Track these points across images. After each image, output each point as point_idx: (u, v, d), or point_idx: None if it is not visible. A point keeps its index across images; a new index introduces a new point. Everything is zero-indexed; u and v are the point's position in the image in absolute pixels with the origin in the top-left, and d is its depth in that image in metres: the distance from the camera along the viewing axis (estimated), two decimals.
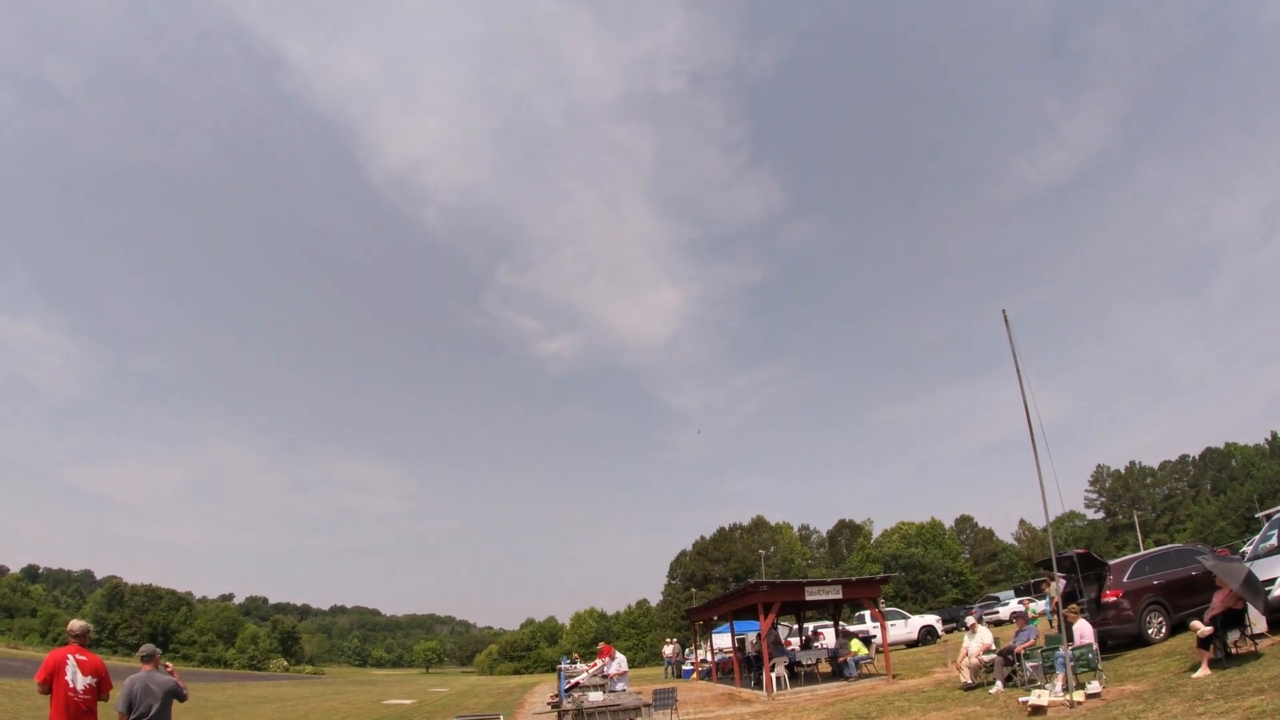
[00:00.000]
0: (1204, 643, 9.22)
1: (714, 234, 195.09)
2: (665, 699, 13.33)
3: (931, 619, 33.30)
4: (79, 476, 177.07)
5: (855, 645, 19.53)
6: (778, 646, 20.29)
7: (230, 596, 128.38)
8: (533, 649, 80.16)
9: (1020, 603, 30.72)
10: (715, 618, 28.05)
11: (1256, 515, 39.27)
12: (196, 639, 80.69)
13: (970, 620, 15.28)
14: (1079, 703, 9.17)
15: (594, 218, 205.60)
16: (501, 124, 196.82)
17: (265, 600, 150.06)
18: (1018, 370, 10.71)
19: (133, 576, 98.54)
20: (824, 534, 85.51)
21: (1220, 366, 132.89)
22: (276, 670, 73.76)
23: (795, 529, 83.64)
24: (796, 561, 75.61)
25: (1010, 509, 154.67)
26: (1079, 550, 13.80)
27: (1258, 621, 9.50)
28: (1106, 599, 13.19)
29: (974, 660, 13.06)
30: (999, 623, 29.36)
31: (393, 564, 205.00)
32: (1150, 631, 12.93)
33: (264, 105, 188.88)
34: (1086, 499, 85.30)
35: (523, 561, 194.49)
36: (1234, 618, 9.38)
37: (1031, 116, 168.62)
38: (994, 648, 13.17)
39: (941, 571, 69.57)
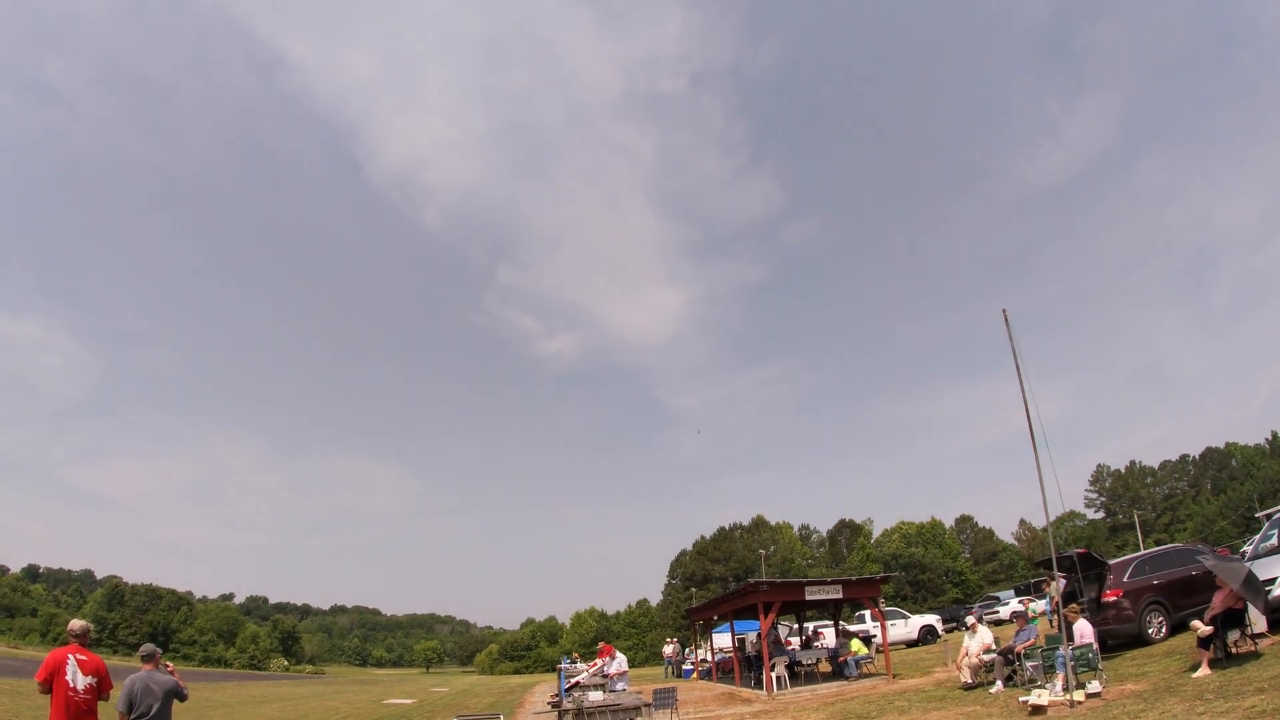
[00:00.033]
0: (1204, 642, 9.22)
1: (714, 233, 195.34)
2: (665, 698, 13.33)
3: (932, 619, 33.30)
4: (79, 476, 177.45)
5: (855, 645, 19.52)
6: (778, 646, 20.29)
7: (230, 596, 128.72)
8: (533, 649, 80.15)
9: (1020, 602, 30.70)
10: (715, 617, 28.05)
11: (1257, 515, 39.26)
12: (197, 639, 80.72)
13: (970, 620, 15.28)
14: (1079, 702, 9.17)
15: (594, 217, 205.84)
16: (502, 123, 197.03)
17: (265, 600, 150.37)
18: (1018, 370, 10.71)
19: (133, 576, 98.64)
20: (824, 534, 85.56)
21: (1220, 366, 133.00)
22: (277, 670, 73.79)
23: (795, 528, 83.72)
24: (796, 561, 75.60)
25: (1010, 508, 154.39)
26: (1079, 550, 13.80)
27: (1258, 621, 9.51)
28: (1107, 599, 13.19)
29: (974, 660, 13.06)
30: (999, 622, 29.34)
31: (393, 563, 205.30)
32: (1150, 631, 12.93)
33: (264, 105, 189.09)
34: (1087, 499, 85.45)
35: (523, 561, 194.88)
36: (1234, 617, 9.38)
37: (1032, 115, 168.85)
38: (994, 647, 13.17)
39: (942, 571, 69.57)
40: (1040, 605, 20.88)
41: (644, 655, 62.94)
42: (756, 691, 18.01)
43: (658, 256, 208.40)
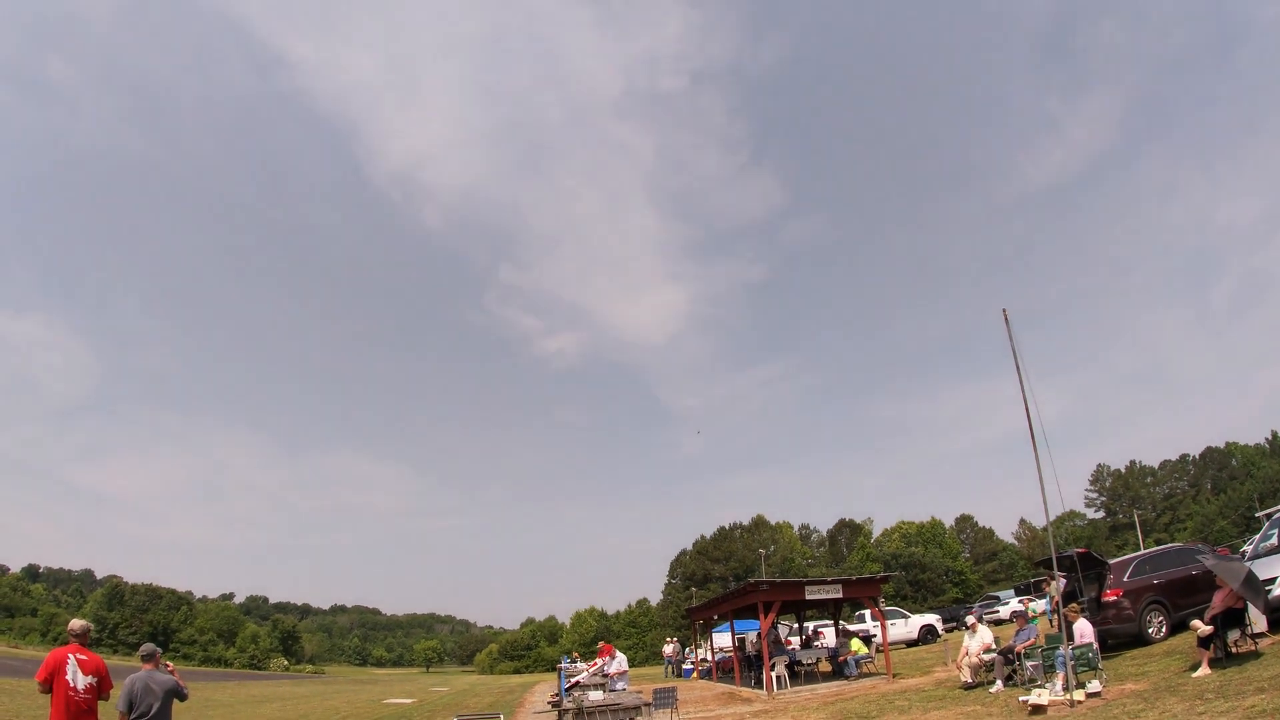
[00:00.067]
0: (1204, 642, 9.22)
1: (715, 232, 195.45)
2: (665, 698, 13.32)
3: (932, 618, 33.29)
4: (80, 475, 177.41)
5: (855, 644, 19.52)
6: (778, 646, 20.29)
7: (230, 596, 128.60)
8: (533, 648, 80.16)
9: (1020, 602, 30.69)
10: (715, 617, 28.05)
11: (1257, 514, 39.26)
12: (197, 638, 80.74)
13: (970, 619, 15.28)
14: (1079, 702, 9.17)
15: (595, 215, 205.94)
16: (502, 122, 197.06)
17: (265, 600, 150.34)
18: (1018, 369, 10.71)
19: (133, 576, 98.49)
20: (824, 533, 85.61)
21: (1221, 366, 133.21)
22: (277, 670, 73.81)
23: (795, 528, 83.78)
24: (797, 561, 75.62)
25: (1010, 508, 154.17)
26: (1079, 549, 13.80)
27: (1258, 621, 9.51)
28: (1107, 598, 13.19)
29: (974, 659, 13.06)
30: (999, 622, 29.33)
31: (393, 563, 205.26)
32: (1150, 631, 12.93)
33: (264, 104, 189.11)
34: (1087, 498, 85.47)
35: (523, 560, 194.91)
36: (1234, 617, 9.38)
37: (1032, 115, 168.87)
38: (994, 647, 13.18)
39: (942, 571, 69.59)
40: (1040, 605, 20.88)
41: (644, 655, 62.96)
42: (756, 691, 18.01)
43: (658, 255, 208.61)
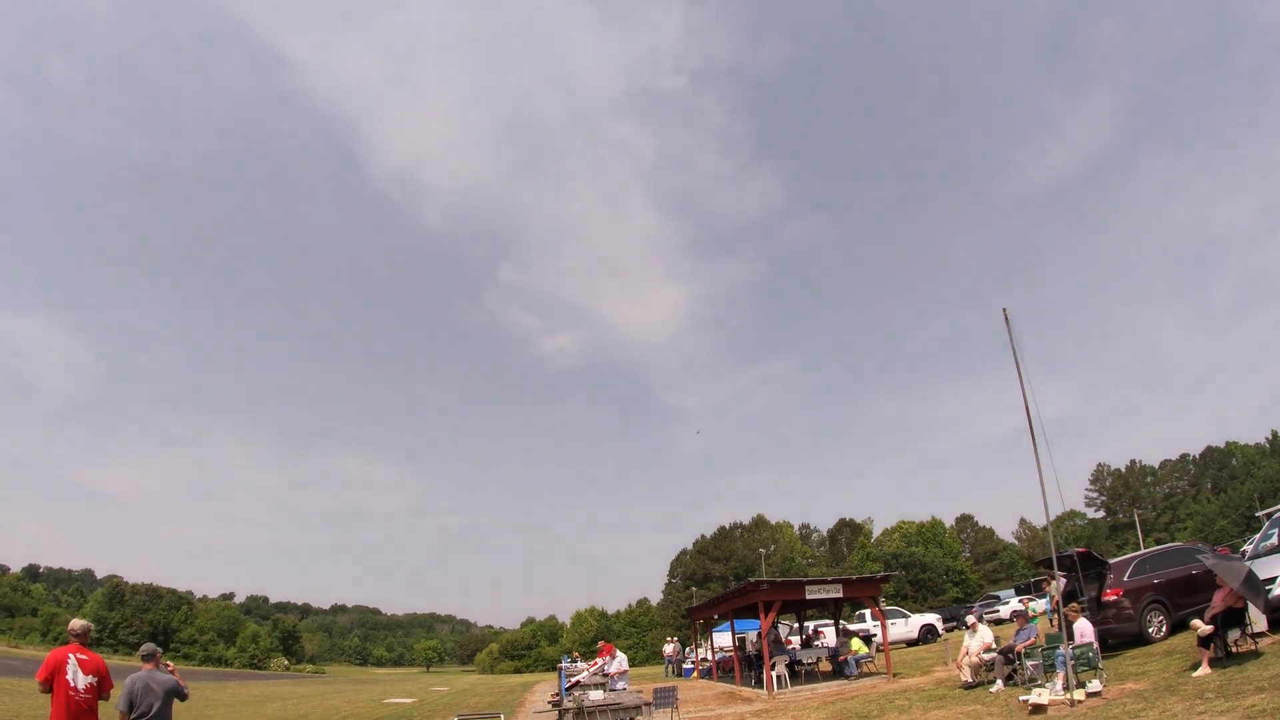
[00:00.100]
0: (1204, 641, 9.22)
1: (715, 231, 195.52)
2: (666, 697, 13.32)
3: (932, 618, 33.31)
4: (80, 475, 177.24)
5: (856, 644, 19.52)
6: (778, 645, 20.29)
7: (231, 596, 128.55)
8: (533, 648, 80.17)
9: (1021, 601, 30.69)
10: (716, 616, 28.06)
11: (1257, 514, 39.28)
12: (197, 638, 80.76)
13: (971, 619, 15.28)
14: (1079, 701, 9.17)
15: (596, 215, 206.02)
16: (503, 121, 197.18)
17: (266, 599, 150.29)
18: (1018, 369, 10.71)
19: (133, 575, 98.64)
20: (824, 533, 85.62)
21: (1221, 365, 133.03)
22: (277, 669, 73.79)
23: (796, 528, 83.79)
24: (797, 560, 75.63)
25: (1010, 508, 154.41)
26: (1079, 549, 13.81)
27: (1258, 620, 9.51)
28: (1107, 598, 13.19)
29: (974, 659, 13.07)
30: (999, 621, 29.33)
31: (393, 563, 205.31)
32: (1151, 630, 12.93)
33: (265, 103, 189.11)
34: (1087, 498, 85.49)
35: (523, 560, 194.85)
36: (1234, 616, 9.38)
37: (1033, 114, 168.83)
38: (994, 646, 13.19)
39: (942, 570, 69.60)
40: (1040, 604, 20.87)
41: (644, 654, 62.97)
42: (757, 690, 18.01)
43: (658, 255, 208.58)
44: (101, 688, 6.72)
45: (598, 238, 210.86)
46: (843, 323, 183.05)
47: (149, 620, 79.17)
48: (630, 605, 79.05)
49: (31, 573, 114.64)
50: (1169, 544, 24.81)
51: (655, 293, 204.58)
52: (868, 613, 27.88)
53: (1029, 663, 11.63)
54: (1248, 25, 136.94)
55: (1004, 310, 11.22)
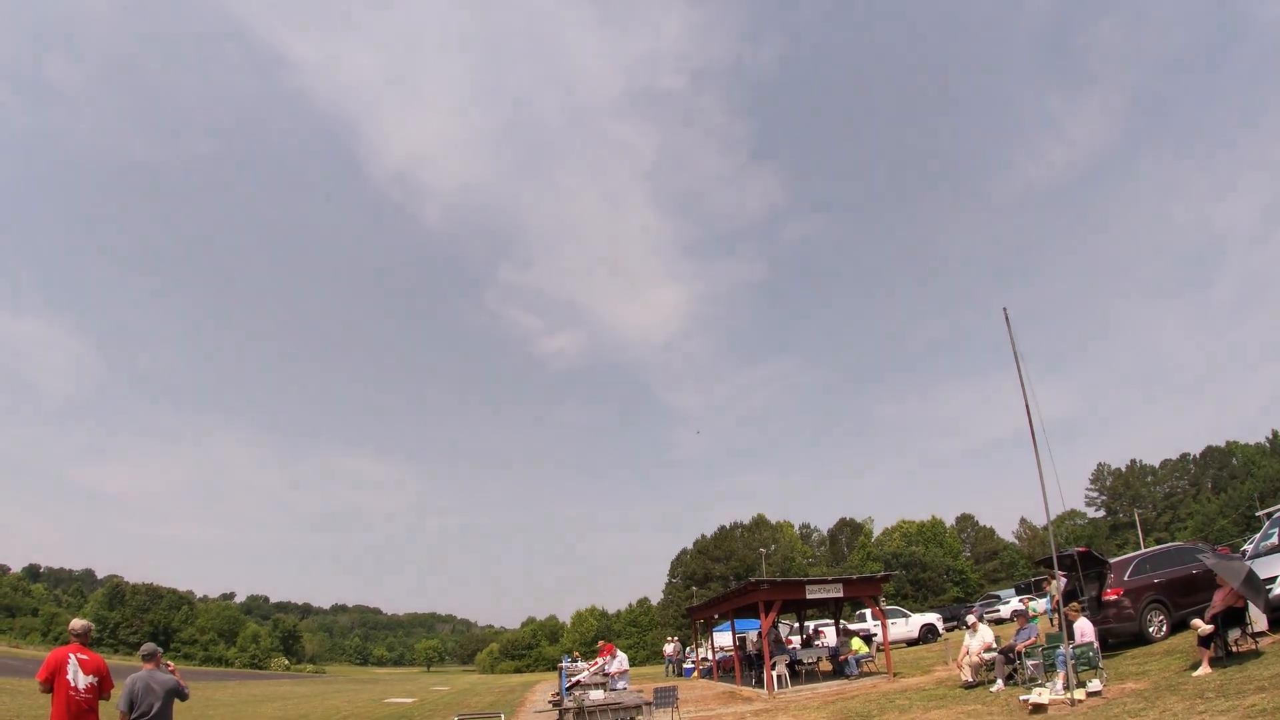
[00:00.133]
0: (1205, 641, 9.22)
1: (715, 231, 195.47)
2: (666, 697, 13.32)
3: (932, 617, 33.31)
4: (80, 475, 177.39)
5: (856, 644, 19.52)
6: (778, 645, 20.29)
7: (231, 595, 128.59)
8: (534, 647, 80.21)
9: (1021, 601, 30.69)
10: (716, 616, 28.06)
11: (1257, 513, 39.24)
12: (198, 638, 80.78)
13: (971, 619, 15.29)
14: (1080, 701, 9.17)
15: (595, 214, 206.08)
16: (502, 121, 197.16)
17: (266, 599, 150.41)
18: (1018, 368, 10.71)
19: (134, 575, 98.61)
20: (825, 532, 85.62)
21: (1221, 364, 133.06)
22: (278, 669, 73.86)
23: (796, 527, 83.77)
24: (797, 560, 75.63)
25: (1011, 507, 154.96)
26: (1080, 548, 13.81)
27: (1258, 620, 9.52)
28: (1107, 597, 13.19)
29: (975, 658, 13.07)
30: (1000, 621, 29.32)
31: (394, 562, 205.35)
32: (1151, 630, 12.93)
33: (265, 103, 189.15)
34: (1087, 497, 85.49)
35: (523, 559, 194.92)
36: (1235, 616, 9.38)
37: (1033, 113, 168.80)
38: (995, 646, 13.19)
39: (942, 570, 69.59)
40: (1041, 604, 20.87)
41: (645, 654, 63.00)
42: (757, 690, 18.02)
43: (658, 254, 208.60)
44: (102, 688, 6.72)
45: (598, 238, 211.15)
46: (843, 323, 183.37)
47: (149, 620, 79.20)
48: (631, 605, 79.23)
49: (32, 573, 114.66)
50: (1169, 544, 24.78)
51: (655, 293, 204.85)
52: (868, 612, 27.88)
53: (1029, 662, 11.63)
54: (1247, 25, 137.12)
55: (1004, 310, 11.24)
